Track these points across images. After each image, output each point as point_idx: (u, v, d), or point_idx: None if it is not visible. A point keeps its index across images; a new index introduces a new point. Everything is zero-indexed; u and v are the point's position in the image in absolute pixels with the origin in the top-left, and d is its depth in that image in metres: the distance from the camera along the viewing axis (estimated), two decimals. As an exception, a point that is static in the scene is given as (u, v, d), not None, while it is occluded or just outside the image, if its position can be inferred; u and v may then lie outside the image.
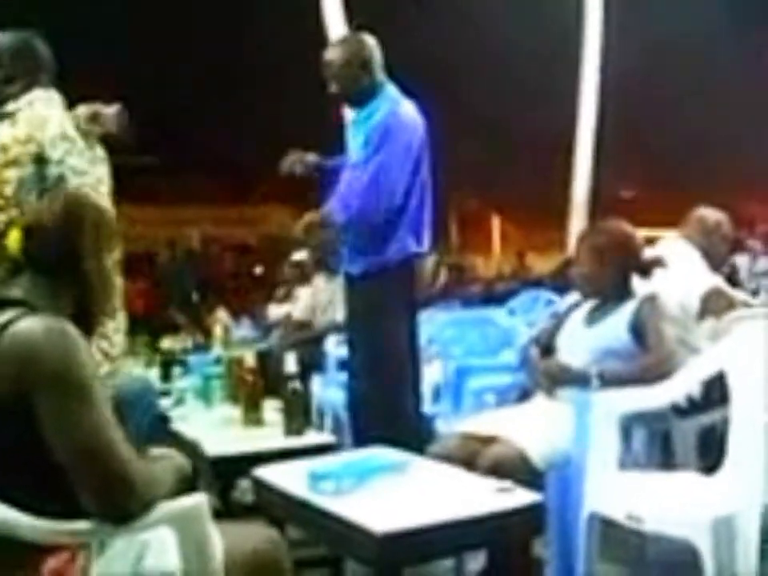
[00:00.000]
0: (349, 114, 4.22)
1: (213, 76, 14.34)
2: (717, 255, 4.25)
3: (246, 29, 13.82)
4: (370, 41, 4.01)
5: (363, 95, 3.96)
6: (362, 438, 3.81)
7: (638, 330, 3.32)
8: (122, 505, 1.77)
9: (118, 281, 2.10)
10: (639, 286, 3.52)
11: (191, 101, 14.93)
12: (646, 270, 3.52)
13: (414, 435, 3.70)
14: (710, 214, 4.35)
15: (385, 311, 3.97)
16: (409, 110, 3.98)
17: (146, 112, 14.54)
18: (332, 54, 3.96)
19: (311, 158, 4.20)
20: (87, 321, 2.02)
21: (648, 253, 3.66)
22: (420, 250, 4.03)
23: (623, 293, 3.47)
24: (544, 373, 3.44)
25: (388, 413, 3.90)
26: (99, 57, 12.85)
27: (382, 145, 3.83)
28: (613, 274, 3.48)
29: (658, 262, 3.57)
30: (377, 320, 3.98)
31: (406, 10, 13.63)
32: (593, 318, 3.49)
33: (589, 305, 3.57)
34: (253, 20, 13.70)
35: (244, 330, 7.99)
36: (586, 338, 3.42)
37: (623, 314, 3.37)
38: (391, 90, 4.00)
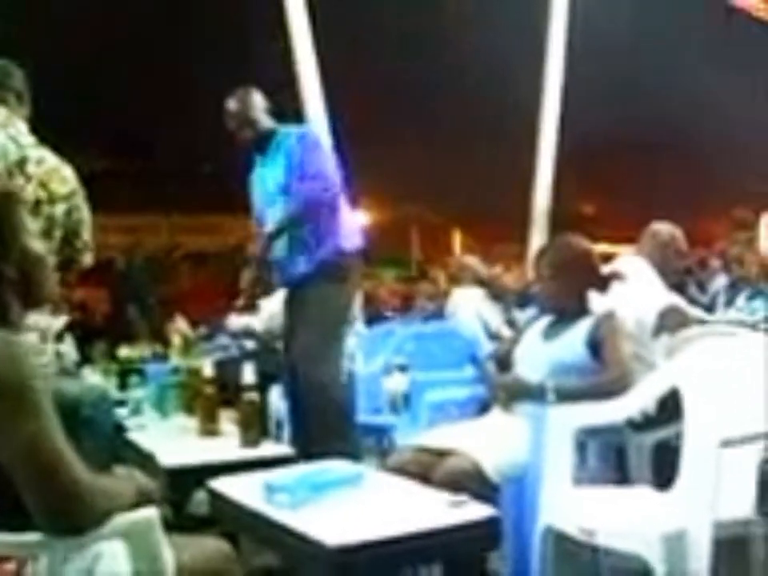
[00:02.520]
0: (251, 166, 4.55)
1: (174, 83, 14.26)
2: (671, 270, 4.31)
3: (209, 40, 13.78)
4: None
5: (269, 137, 4.35)
6: (314, 450, 3.84)
7: (594, 346, 3.34)
8: (69, 517, 1.75)
9: (41, 246, 2.03)
10: (597, 301, 3.55)
11: (152, 108, 14.83)
12: (603, 285, 3.55)
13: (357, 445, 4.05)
14: (664, 229, 4.42)
15: (339, 310, 4.26)
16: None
17: (106, 118, 14.42)
18: (237, 105, 4.35)
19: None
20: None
21: (605, 269, 3.69)
22: (359, 246, 4.36)
23: (580, 308, 3.50)
24: (500, 387, 3.45)
25: (340, 421, 3.99)
26: (62, 62, 12.76)
27: (309, 149, 4.24)
28: (570, 289, 3.51)
29: (615, 276, 3.61)
30: (332, 320, 4.22)
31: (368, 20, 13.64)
32: (550, 333, 3.51)
33: (546, 319, 3.60)
34: (207, 32, 13.66)
35: (203, 339, 7.93)
36: (543, 353, 3.44)
37: (580, 330, 3.40)
38: (284, 129, 4.41)
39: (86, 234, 3.53)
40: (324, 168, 4.20)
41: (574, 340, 3.37)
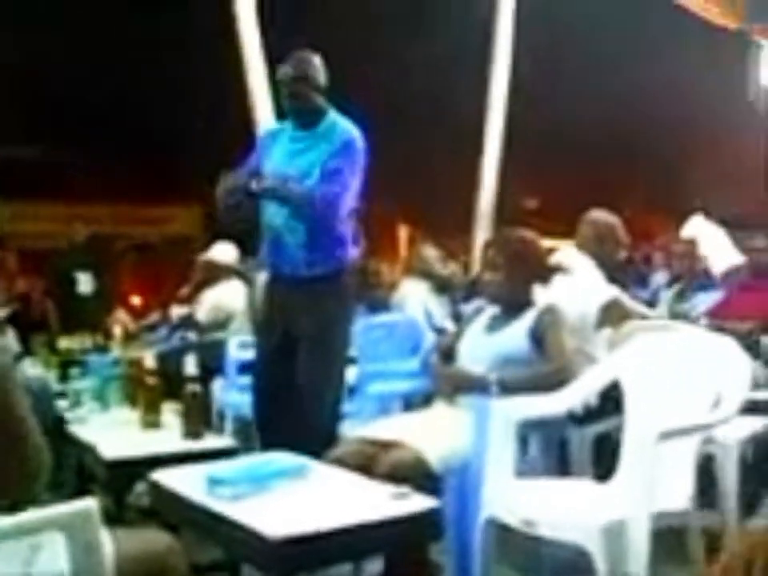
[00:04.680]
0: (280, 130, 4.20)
1: (121, 72, 14.10)
2: (609, 260, 4.22)
3: (158, 28, 13.63)
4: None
5: (318, 113, 4.04)
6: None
7: (537, 339, 3.36)
8: (33, 482, 1.77)
9: None
10: (540, 294, 3.57)
11: (99, 95, 14.65)
12: (546, 278, 3.57)
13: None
14: (602, 218, 4.31)
15: (343, 314, 4.09)
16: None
17: (49, 107, 14.20)
18: (295, 71, 4.00)
19: (238, 180, 3.93)
20: None
21: (551, 262, 3.71)
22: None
23: (526, 301, 3.52)
24: (444, 379, 3.46)
25: (333, 416, 4.01)
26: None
27: (351, 162, 3.99)
28: (519, 281, 3.52)
29: (558, 269, 3.62)
30: (337, 323, 4.06)
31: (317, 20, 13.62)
32: (494, 326, 3.53)
33: (490, 312, 3.61)
34: (162, 18, 13.52)
35: (145, 330, 7.85)
36: (486, 345, 3.46)
37: (523, 323, 3.42)
38: (332, 111, 4.10)
39: None
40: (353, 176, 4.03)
41: (518, 332, 3.39)
